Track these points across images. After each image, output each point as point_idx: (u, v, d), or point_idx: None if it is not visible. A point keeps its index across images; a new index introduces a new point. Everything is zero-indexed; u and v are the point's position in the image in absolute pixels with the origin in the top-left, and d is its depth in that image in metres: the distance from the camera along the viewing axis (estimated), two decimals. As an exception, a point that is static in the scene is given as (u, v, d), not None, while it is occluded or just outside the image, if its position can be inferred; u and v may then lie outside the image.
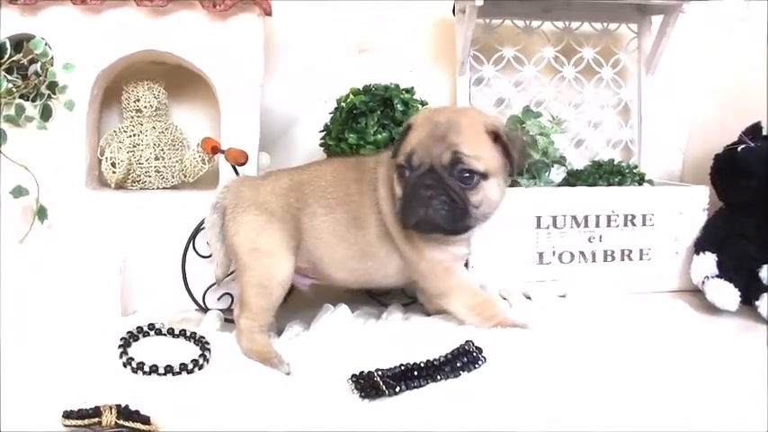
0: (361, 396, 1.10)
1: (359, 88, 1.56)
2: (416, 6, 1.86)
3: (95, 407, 1.00)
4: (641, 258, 1.64)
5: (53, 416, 1.00)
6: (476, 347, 1.22)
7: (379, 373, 1.14)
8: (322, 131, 1.60)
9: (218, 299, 1.50)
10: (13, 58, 1.46)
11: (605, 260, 1.63)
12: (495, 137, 1.29)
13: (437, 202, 1.26)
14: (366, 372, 1.14)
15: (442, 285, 1.36)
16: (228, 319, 1.44)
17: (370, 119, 1.49)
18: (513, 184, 1.61)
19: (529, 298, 1.56)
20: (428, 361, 1.19)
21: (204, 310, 1.49)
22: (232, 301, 1.50)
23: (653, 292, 1.64)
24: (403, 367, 1.17)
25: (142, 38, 1.51)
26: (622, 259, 1.63)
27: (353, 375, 1.13)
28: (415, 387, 1.13)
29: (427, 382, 1.14)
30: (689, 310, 1.47)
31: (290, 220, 1.36)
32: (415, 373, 1.16)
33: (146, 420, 1.00)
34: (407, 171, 1.28)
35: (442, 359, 1.20)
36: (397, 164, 1.30)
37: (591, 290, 1.59)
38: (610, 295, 1.57)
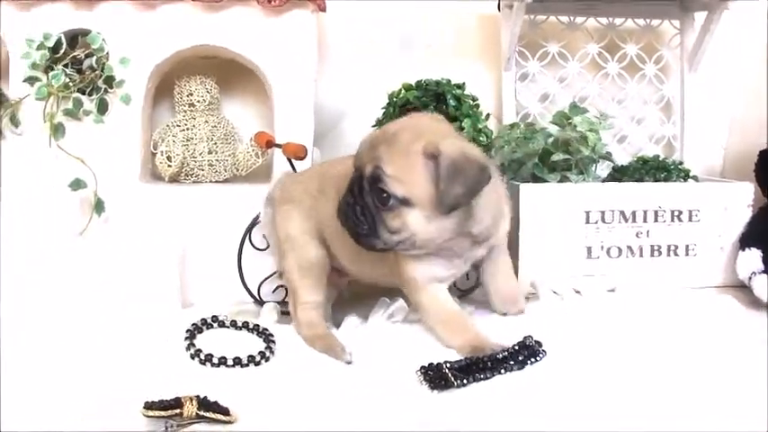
0: (430, 387, 1.12)
1: (411, 84, 1.57)
2: (460, 2, 1.87)
3: (176, 398, 1.01)
4: (687, 254, 1.65)
5: (131, 407, 1.01)
6: (536, 341, 1.24)
7: (448, 365, 1.16)
8: (374, 126, 1.61)
9: (273, 291, 1.52)
10: (74, 54, 1.47)
11: (652, 255, 1.64)
12: (431, 156, 1.16)
13: (350, 211, 1.21)
14: (435, 363, 1.16)
15: (415, 298, 1.31)
16: (285, 312, 1.46)
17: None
18: (563, 179, 1.63)
19: (578, 293, 1.57)
20: (491, 354, 1.21)
21: (259, 302, 1.51)
22: (286, 293, 1.52)
23: (697, 288, 1.65)
24: (469, 360, 1.19)
25: (197, 33, 1.53)
26: (668, 254, 1.64)
27: (422, 367, 1.15)
28: (482, 379, 1.15)
29: (493, 375, 1.16)
30: (738, 306, 1.49)
31: (309, 201, 1.38)
32: (481, 365, 1.18)
33: (225, 411, 1.02)
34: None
35: (505, 353, 1.22)
36: None
37: (638, 285, 1.59)
38: (658, 290, 1.58)
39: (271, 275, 1.51)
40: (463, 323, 1.29)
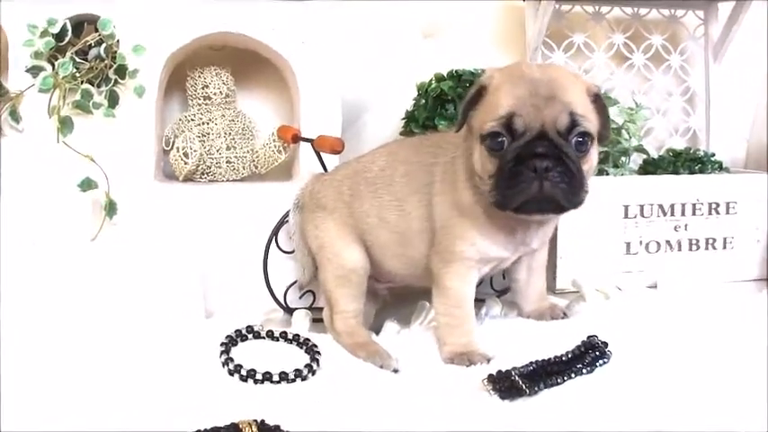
0: (501, 397, 1.03)
1: (443, 74, 1.48)
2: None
3: (231, 423, 0.89)
4: (724, 247, 1.60)
5: None
6: (601, 342, 1.16)
7: (516, 371, 1.07)
8: (404, 119, 1.52)
9: (300, 297, 1.42)
10: (85, 40, 1.34)
11: (690, 249, 1.58)
12: (595, 98, 1.13)
13: (555, 174, 1.06)
14: (503, 371, 1.07)
15: (442, 273, 1.20)
16: (316, 319, 1.36)
17: (460, 105, 1.41)
18: (600, 172, 1.56)
19: (619, 290, 1.51)
20: (557, 357, 1.12)
21: (287, 309, 1.41)
22: (314, 299, 1.42)
23: (735, 281, 1.60)
24: (536, 365, 1.10)
25: (216, 19, 1.41)
26: (706, 248, 1.59)
27: (490, 375, 1.06)
28: (553, 385, 1.06)
29: (564, 379, 1.07)
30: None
31: (343, 209, 1.28)
32: (549, 369, 1.10)
33: (288, 436, 0.92)
34: (506, 140, 1.08)
35: (570, 355, 1.13)
36: (484, 133, 1.09)
37: (677, 280, 1.54)
38: (700, 285, 1.52)
39: (293, 283, 1.41)
40: (469, 326, 1.21)
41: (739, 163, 1.91)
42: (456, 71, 1.48)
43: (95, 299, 1.28)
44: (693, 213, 1.57)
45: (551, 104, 1.06)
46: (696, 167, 1.62)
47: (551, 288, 1.53)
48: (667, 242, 1.57)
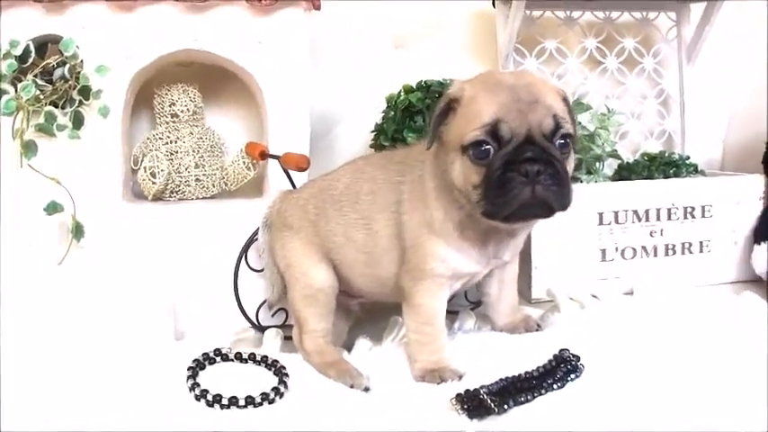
0: (469, 417, 1.01)
1: (412, 85, 1.47)
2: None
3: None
4: (701, 251, 1.59)
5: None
6: (573, 355, 1.14)
7: (484, 390, 1.06)
8: (374, 132, 1.50)
9: (272, 315, 1.40)
10: (48, 62, 1.33)
11: (666, 254, 1.57)
12: (564, 101, 1.13)
13: (546, 177, 1.05)
14: (471, 390, 1.05)
15: (413, 291, 1.18)
16: (288, 337, 1.34)
17: (430, 120, 1.39)
18: (573, 180, 1.55)
19: (595, 298, 1.50)
20: (527, 373, 1.11)
21: (259, 327, 1.39)
22: (287, 316, 1.40)
23: (713, 285, 1.60)
24: (505, 382, 1.09)
25: (180, 36, 1.40)
26: (683, 252, 1.58)
27: (458, 395, 1.04)
28: (522, 402, 1.05)
29: (534, 396, 1.06)
30: (759, 301, 1.43)
31: (309, 228, 1.27)
32: (518, 386, 1.09)
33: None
34: (491, 148, 1.06)
35: (541, 369, 1.12)
36: (466, 143, 1.07)
37: (654, 286, 1.53)
38: (677, 290, 1.51)
39: (264, 302, 1.40)
40: (440, 343, 1.19)
41: (716, 164, 1.91)
42: (425, 82, 1.47)
43: (63, 323, 1.27)
44: (669, 218, 1.56)
45: (535, 109, 1.06)
46: (671, 171, 1.61)
47: (527, 298, 1.52)
48: (643, 248, 1.56)
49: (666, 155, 1.65)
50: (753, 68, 1.85)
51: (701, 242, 1.59)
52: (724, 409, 1.01)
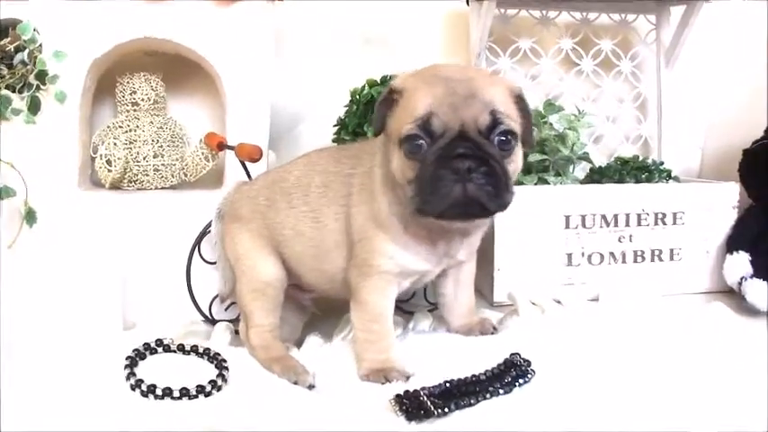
0: (407, 419, 0.99)
1: (375, 80, 1.44)
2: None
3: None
4: (671, 258, 1.56)
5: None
6: (524, 360, 1.12)
7: (425, 391, 1.03)
8: (336, 126, 1.48)
9: (226, 309, 1.38)
10: (3, 43, 1.31)
11: (635, 261, 1.54)
12: (517, 99, 1.09)
13: (478, 175, 1.01)
14: (411, 391, 1.02)
15: (360, 287, 1.16)
16: (238, 331, 1.32)
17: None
18: (540, 182, 1.52)
19: (559, 303, 1.47)
20: (474, 376, 1.08)
21: (211, 321, 1.37)
22: (241, 310, 1.38)
23: (684, 294, 1.57)
24: (449, 384, 1.06)
25: (140, 24, 1.38)
26: (652, 260, 1.55)
27: (397, 395, 1.01)
28: (465, 406, 1.02)
29: (477, 400, 1.03)
30: (729, 313, 1.40)
31: (259, 220, 1.25)
32: (463, 389, 1.06)
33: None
34: (424, 142, 1.03)
35: (488, 373, 1.09)
36: (402, 137, 1.04)
37: (621, 293, 1.49)
38: (643, 299, 1.48)
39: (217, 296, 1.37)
40: (387, 342, 1.17)
41: (693, 172, 1.88)
42: (390, 76, 1.44)
43: (8, 310, 1.24)
44: (639, 224, 1.53)
45: (471, 103, 1.02)
46: (643, 176, 1.58)
47: (489, 301, 1.49)
48: (611, 254, 1.53)
49: (640, 159, 1.62)
50: (732, 74, 1.82)
51: (671, 249, 1.56)
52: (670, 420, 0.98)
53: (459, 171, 1.00)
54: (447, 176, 1.01)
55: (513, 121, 1.05)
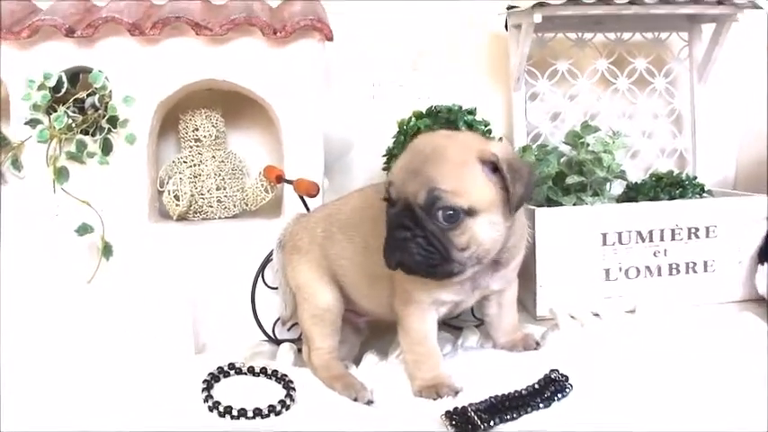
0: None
1: (421, 111, 1.54)
2: (467, 23, 1.85)
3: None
4: (705, 270, 1.63)
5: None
6: (562, 375, 1.21)
7: (472, 407, 1.13)
8: (385, 155, 1.58)
9: (288, 329, 1.49)
10: (76, 96, 1.43)
11: (670, 274, 1.61)
12: (494, 167, 1.15)
13: (413, 246, 1.13)
14: (460, 407, 1.13)
15: (403, 314, 1.27)
16: (301, 350, 1.43)
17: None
18: (578, 202, 1.60)
19: (597, 316, 1.55)
20: (516, 391, 1.18)
21: (275, 341, 1.48)
22: (302, 330, 1.49)
23: (717, 304, 1.63)
24: (494, 399, 1.16)
25: (201, 67, 1.49)
26: (687, 272, 1.62)
27: (447, 412, 1.12)
28: (508, 420, 1.12)
29: (520, 414, 1.13)
30: (760, 323, 1.46)
31: (317, 250, 1.36)
32: (507, 404, 1.15)
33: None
34: (389, 206, 1.17)
35: (530, 389, 1.19)
36: (383, 196, 1.19)
37: (657, 304, 1.57)
38: (678, 310, 1.55)
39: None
40: (435, 361, 1.27)
41: (729, 184, 1.93)
42: (435, 108, 1.54)
43: (91, 338, 1.37)
44: (673, 238, 1.60)
45: (413, 179, 1.13)
46: (677, 192, 1.65)
47: (532, 315, 1.58)
48: (647, 268, 1.60)
49: (674, 175, 1.69)
50: (764, 87, 1.87)
51: (705, 262, 1.63)
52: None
53: (396, 239, 1.14)
54: (390, 242, 1.15)
55: (460, 197, 1.12)
